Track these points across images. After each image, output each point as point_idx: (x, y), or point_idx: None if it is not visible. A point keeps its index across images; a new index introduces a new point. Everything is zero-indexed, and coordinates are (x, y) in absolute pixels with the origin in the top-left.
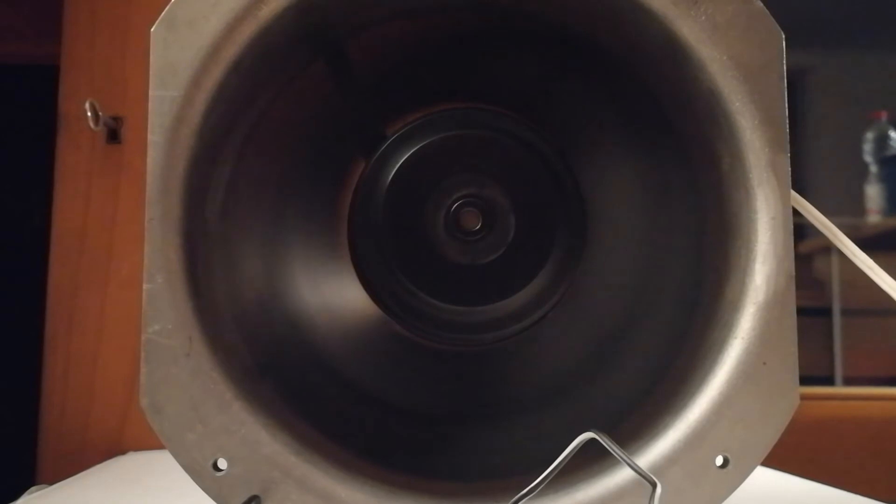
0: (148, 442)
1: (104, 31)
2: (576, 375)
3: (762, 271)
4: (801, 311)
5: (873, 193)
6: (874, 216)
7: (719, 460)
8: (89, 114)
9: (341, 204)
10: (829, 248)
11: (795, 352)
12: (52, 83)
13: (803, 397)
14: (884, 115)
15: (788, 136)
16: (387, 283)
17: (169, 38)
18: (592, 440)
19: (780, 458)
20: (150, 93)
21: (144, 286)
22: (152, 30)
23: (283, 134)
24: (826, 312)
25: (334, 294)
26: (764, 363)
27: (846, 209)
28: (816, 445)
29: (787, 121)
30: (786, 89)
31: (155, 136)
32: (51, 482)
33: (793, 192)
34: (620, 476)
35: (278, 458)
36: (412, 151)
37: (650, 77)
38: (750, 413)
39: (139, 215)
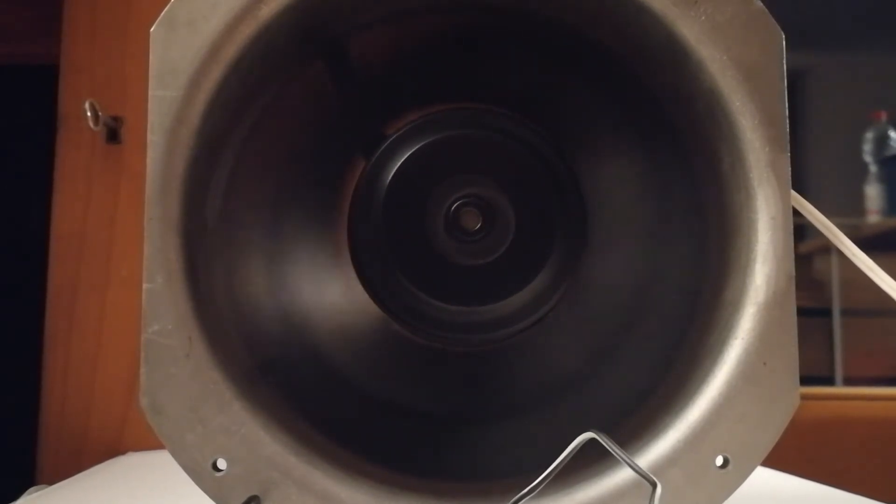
0: (148, 442)
1: (104, 31)
2: (576, 375)
3: (762, 271)
4: (801, 312)
5: (873, 194)
6: (874, 216)
7: (719, 460)
8: (89, 114)
9: (341, 204)
10: (829, 249)
11: (796, 352)
12: (52, 83)
13: (803, 397)
14: (884, 116)
15: (788, 136)
16: (387, 283)
17: (169, 38)
18: (592, 440)
19: (780, 458)
20: (150, 93)
21: (144, 286)
22: (152, 30)
23: (282, 134)
24: (826, 312)
25: (334, 294)
26: (764, 363)
27: (846, 209)
28: (816, 445)
29: (788, 121)
30: (786, 89)
31: (154, 136)
32: (51, 482)
33: (793, 192)
34: (620, 476)
35: (278, 459)
36: (412, 151)
37: (650, 76)
38: (750, 413)
39: (139, 215)
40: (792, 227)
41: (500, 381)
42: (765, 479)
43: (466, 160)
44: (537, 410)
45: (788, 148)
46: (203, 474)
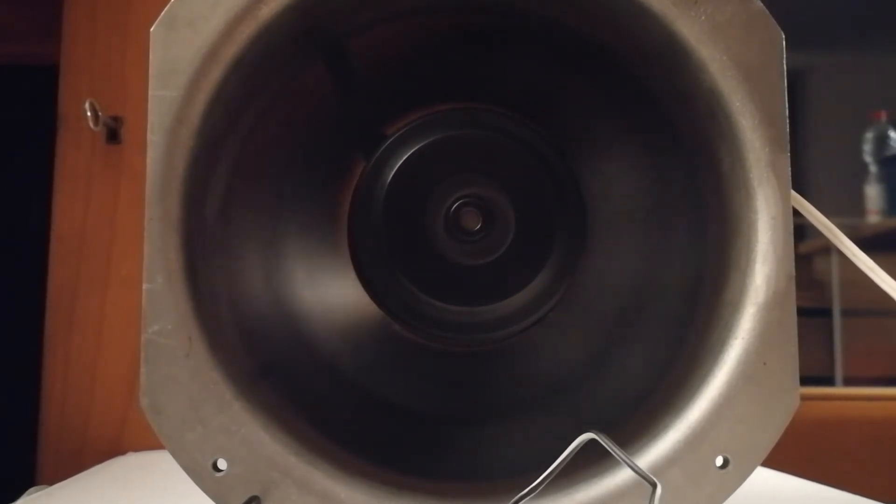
0: (148, 442)
1: (104, 31)
2: (576, 375)
3: (762, 271)
4: (801, 312)
5: (873, 194)
6: (874, 216)
7: (719, 461)
8: (89, 114)
9: (341, 204)
10: (829, 249)
11: (796, 352)
12: (52, 83)
13: (803, 397)
14: (884, 115)
15: (788, 136)
16: (387, 283)
17: (169, 38)
18: (592, 440)
19: (780, 459)
20: (150, 93)
21: (144, 286)
22: (152, 30)
23: (282, 134)
24: (826, 312)
25: (334, 294)
26: (764, 363)
27: (846, 209)
28: (816, 446)
29: (788, 121)
30: (786, 89)
31: (154, 136)
32: (51, 482)
33: (793, 193)
34: (620, 476)
35: (278, 459)
36: (412, 151)
37: (651, 77)
38: (750, 413)
39: (139, 215)
40: (792, 227)
41: (500, 381)
42: (765, 479)
43: (466, 160)
44: (537, 410)
45: (788, 148)
46: (203, 474)
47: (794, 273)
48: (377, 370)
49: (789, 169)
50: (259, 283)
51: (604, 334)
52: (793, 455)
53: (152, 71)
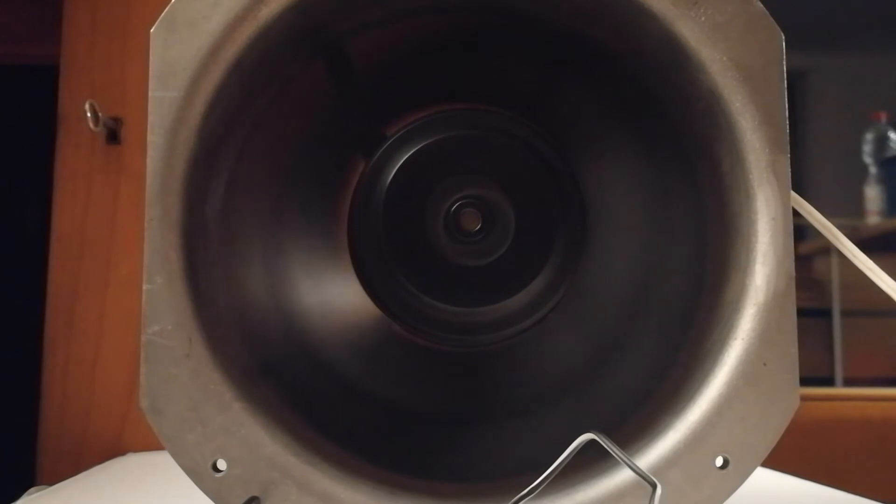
0: (148, 443)
1: (104, 32)
2: (576, 376)
3: (762, 272)
4: (801, 312)
5: (873, 195)
6: (874, 217)
7: (719, 461)
8: (89, 114)
9: (341, 204)
10: (828, 249)
11: (796, 352)
12: (52, 83)
13: (803, 398)
14: (883, 116)
15: (788, 137)
16: (386, 284)
17: (169, 38)
18: (592, 441)
19: (780, 459)
20: (150, 93)
21: (144, 287)
22: (152, 30)
23: (282, 134)
24: (826, 313)
25: (334, 294)
26: (764, 364)
27: (846, 210)
28: (816, 446)
29: (787, 121)
30: (786, 90)
31: (154, 137)
32: (51, 483)
33: (793, 193)
34: (620, 477)
35: (278, 459)
36: (412, 152)
37: (651, 77)
38: (750, 414)
39: (139, 215)
40: (792, 227)
41: (500, 381)
42: (765, 479)
43: (466, 160)
44: (537, 411)
45: (788, 149)
46: (203, 475)
47: (794, 273)
48: (377, 371)
49: (789, 170)
50: (259, 284)
51: (603, 335)
52: (793, 455)
53: (152, 71)
